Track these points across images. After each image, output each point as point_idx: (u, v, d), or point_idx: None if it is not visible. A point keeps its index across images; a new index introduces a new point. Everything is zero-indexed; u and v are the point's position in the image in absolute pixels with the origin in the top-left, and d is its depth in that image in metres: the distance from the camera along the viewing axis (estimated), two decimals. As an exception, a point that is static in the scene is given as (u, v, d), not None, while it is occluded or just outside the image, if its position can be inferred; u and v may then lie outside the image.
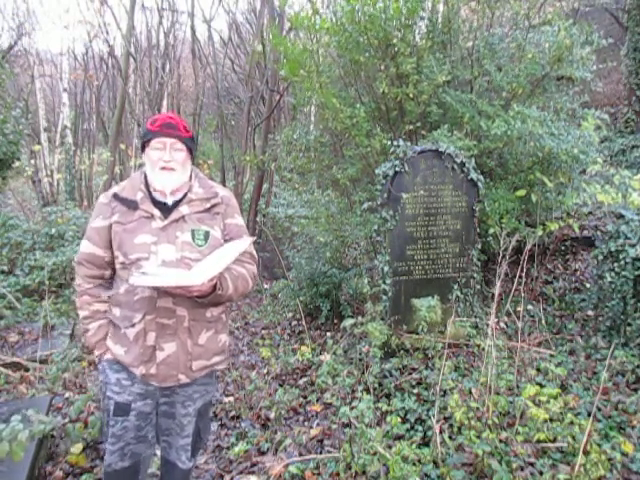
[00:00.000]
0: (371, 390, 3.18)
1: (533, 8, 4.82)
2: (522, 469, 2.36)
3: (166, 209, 1.88)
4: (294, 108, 9.66)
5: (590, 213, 6.07)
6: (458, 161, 4.03)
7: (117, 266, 1.88)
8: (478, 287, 4.25)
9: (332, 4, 4.91)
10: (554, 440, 2.52)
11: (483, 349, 3.16)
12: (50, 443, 2.83)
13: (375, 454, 2.39)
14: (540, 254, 5.30)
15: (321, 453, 2.76)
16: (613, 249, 3.85)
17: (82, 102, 14.41)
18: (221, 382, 3.95)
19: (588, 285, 4.88)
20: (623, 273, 3.72)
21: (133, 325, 1.84)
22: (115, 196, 1.89)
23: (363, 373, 3.50)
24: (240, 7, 30.41)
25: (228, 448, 2.98)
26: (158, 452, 2.21)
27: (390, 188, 3.98)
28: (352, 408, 2.72)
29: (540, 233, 4.56)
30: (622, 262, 3.74)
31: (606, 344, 3.76)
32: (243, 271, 1.95)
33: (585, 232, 5.73)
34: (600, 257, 3.99)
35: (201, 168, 10.92)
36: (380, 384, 3.47)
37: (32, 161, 12.42)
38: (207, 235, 1.88)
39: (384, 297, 4.06)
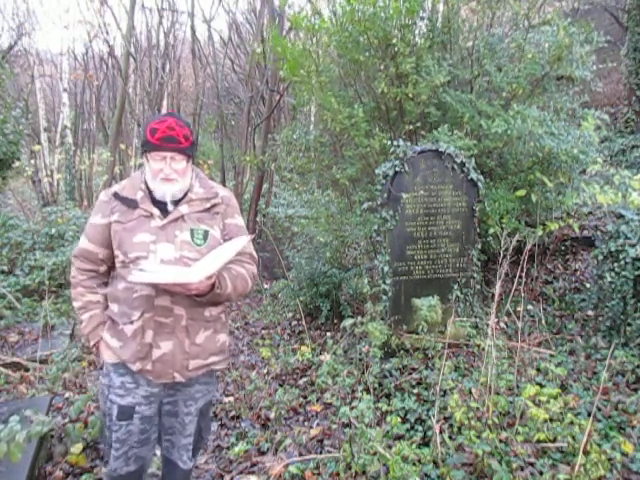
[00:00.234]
0: (371, 390, 3.18)
1: (533, 8, 4.81)
2: (522, 469, 2.36)
3: (166, 208, 1.88)
4: (294, 108, 9.67)
5: (590, 213, 6.07)
6: (458, 161, 4.03)
7: (117, 264, 1.89)
8: (478, 287, 4.25)
9: (332, 4, 4.89)
10: (554, 440, 2.52)
11: (483, 349, 3.15)
12: (50, 443, 2.83)
13: (375, 454, 2.39)
14: (540, 254, 5.30)
15: (321, 453, 2.76)
16: (613, 249, 3.84)
17: (82, 102, 14.42)
18: (221, 382, 3.95)
19: (588, 285, 4.87)
20: (623, 273, 3.72)
21: (131, 322, 1.84)
22: (115, 195, 1.90)
23: (363, 373, 3.49)
24: (240, 7, 30.48)
25: (228, 448, 2.97)
26: (158, 452, 2.21)
27: (390, 188, 3.97)
28: (352, 408, 2.72)
29: (540, 233, 4.56)
30: (622, 262, 3.74)
31: (606, 344, 3.76)
32: (242, 271, 1.95)
33: (585, 232, 5.72)
34: (600, 257, 3.99)
35: (201, 168, 10.90)
36: (380, 384, 3.47)
37: (32, 161, 12.42)
38: (206, 235, 1.88)
39: (384, 297, 4.06)
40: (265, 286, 7.23)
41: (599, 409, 2.92)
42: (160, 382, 1.89)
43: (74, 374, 3.86)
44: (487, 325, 3.48)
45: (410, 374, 3.56)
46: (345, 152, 5.11)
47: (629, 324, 3.73)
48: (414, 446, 2.53)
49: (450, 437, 2.65)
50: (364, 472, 2.40)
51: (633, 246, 3.71)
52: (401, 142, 3.99)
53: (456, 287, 4.08)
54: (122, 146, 11.68)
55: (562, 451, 2.49)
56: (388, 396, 3.33)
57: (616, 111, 9.97)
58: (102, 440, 2.09)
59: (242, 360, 4.55)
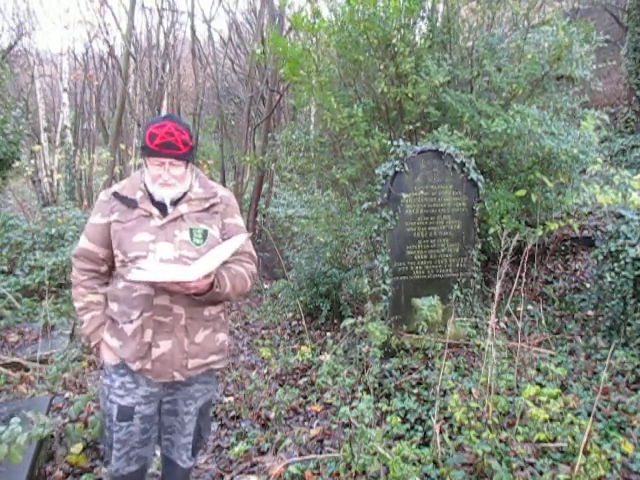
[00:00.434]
0: (371, 390, 3.18)
1: (533, 8, 4.81)
2: (522, 469, 2.36)
3: (165, 208, 1.89)
4: (294, 108, 9.67)
5: (590, 213, 6.07)
6: (458, 161, 4.03)
7: (117, 264, 1.90)
8: (478, 287, 4.25)
9: (332, 4, 4.89)
10: (554, 440, 2.52)
11: (483, 349, 3.15)
12: (50, 443, 2.83)
13: (375, 454, 2.39)
14: (540, 254, 5.30)
15: (321, 453, 2.76)
16: (613, 249, 3.84)
17: (82, 102, 14.42)
18: (221, 382, 3.95)
19: (588, 285, 4.87)
20: (623, 273, 3.72)
21: (131, 321, 1.84)
22: (115, 194, 1.90)
23: (363, 373, 3.49)
24: (240, 7, 30.45)
25: (228, 448, 2.97)
26: (158, 452, 2.21)
27: (390, 188, 3.97)
28: (352, 408, 2.72)
29: (540, 233, 4.56)
30: (622, 262, 3.74)
31: (606, 344, 3.76)
32: (242, 270, 1.95)
33: (585, 232, 5.72)
34: (600, 257, 3.99)
35: (201, 168, 10.90)
36: (380, 384, 3.47)
37: (32, 161, 12.42)
38: (205, 234, 1.89)
39: (384, 297, 4.06)
40: (265, 286, 7.23)
41: (599, 409, 2.91)
42: (160, 381, 1.90)
43: (74, 374, 3.86)
44: (487, 325, 3.48)
45: (410, 374, 3.56)
46: (345, 152, 5.11)
47: (629, 324, 3.73)
48: (414, 446, 2.53)
49: (450, 437, 2.65)
50: (364, 472, 2.40)
51: (633, 246, 3.71)
52: (401, 142, 3.99)
53: (456, 287, 4.08)
54: (122, 146, 11.68)
55: (562, 451, 2.49)
56: (388, 396, 3.33)
57: (616, 111, 9.98)
58: (102, 440, 2.09)
59: (242, 360, 4.55)
